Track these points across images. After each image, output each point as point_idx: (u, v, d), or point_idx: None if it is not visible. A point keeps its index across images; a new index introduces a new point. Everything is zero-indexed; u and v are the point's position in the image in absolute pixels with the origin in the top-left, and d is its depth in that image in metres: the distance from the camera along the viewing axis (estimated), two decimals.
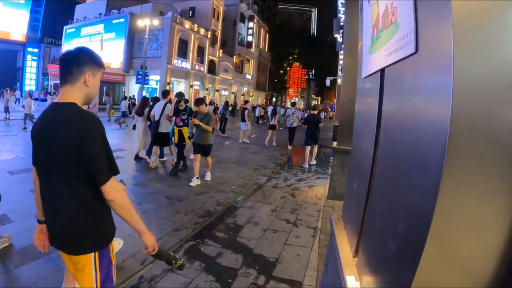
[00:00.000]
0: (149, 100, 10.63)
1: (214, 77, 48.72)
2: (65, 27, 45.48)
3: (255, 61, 65.46)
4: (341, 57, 35.60)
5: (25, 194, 6.02)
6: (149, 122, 9.88)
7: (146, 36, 30.04)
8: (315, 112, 12.85)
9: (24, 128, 15.50)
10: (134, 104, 27.84)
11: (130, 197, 5.90)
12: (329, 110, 64.80)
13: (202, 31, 43.91)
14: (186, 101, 10.51)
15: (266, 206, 6.63)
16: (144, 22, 30.04)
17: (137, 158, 10.10)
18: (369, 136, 2.01)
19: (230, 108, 21.03)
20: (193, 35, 42.10)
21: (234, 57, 55.83)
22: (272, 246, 4.81)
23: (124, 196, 2.04)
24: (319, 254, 4.61)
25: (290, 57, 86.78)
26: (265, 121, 33.48)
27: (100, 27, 41.64)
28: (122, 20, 39.41)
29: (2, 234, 4.29)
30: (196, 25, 42.72)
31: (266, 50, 72.84)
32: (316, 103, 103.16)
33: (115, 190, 1.97)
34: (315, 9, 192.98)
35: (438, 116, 1.13)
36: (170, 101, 9.40)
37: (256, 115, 33.49)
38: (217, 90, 49.86)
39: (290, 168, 11.14)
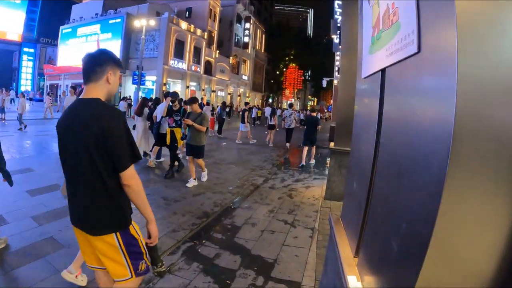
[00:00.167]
0: (149, 100, 10.64)
1: (210, 78, 48.64)
2: (61, 27, 45.21)
3: (252, 62, 65.40)
4: (337, 58, 35.64)
5: (21, 195, 5.98)
6: (149, 123, 9.87)
7: (143, 37, 29.98)
8: (314, 113, 13.00)
9: (20, 129, 15.41)
10: (130, 105, 27.85)
11: None
12: (325, 111, 64.85)
13: (198, 31, 43.83)
14: (185, 101, 10.45)
15: (263, 207, 6.63)
16: (140, 23, 29.97)
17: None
18: (370, 136, 2.01)
19: (227, 109, 20.99)
20: (189, 36, 42.01)
21: (231, 58, 55.76)
22: (270, 247, 4.80)
23: (140, 183, 2.26)
24: (317, 255, 4.60)
25: (287, 58, 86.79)
26: (258, 122, 33.55)
27: (96, 27, 41.43)
28: (119, 20, 39.23)
29: None
30: (192, 26, 42.63)
31: (263, 51, 72.76)
32: (312, 104, 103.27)
33: (132, 177, 2.20)
34: (311, 10, 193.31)
35: (442, 117, 1.12)
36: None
37: (253, 116, 33.47)
38: (214, 91, 49.78)
39: (287, 169, 11.15)
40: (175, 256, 4.26)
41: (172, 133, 8.81)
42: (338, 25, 13.37)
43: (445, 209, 1.06)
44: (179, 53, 40.83)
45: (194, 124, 7.47)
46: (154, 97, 15.16)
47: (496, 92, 1.05)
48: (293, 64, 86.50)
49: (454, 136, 1.03)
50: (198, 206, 6.40)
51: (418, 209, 1.24)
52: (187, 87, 42.34)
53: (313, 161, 12.48)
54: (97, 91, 2.28)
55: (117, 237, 2.27)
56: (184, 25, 40.81)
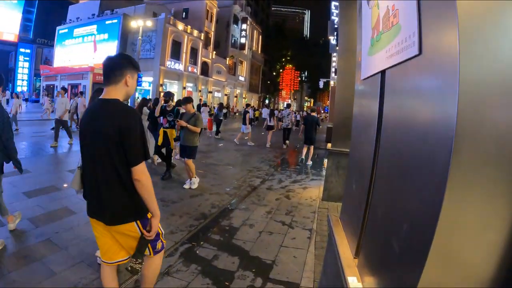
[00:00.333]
0: (148, 100, 10.63)
1: (207, 79, 48.65)
2: (57, 28, 45.04)
3: (248, 63, 65.47)
4: (334, 59, 35.75)
5: (18, 196, 5.96)
6: (147, 123, 9.85)
7: (139, 37, 29.88)
8: (314, 113, 13.21)
9: (16, 130, 15.29)
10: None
11: None
12: (322, 112, 64.96)
13: (195, 32, 43.85)
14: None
15: (261, 208, 6.62)
16: (137, 23, 29.86)
17: None
18: (369, 138, 2.01)
19: (224, 111, 21.00)
20: (186, 37, 42.02)
21: (227, 58, 55.80)
22: (268, 248, 4.79)
23: (149, 179, 2.45)
24: (315, 256, 4.60)
25: (283, 59, 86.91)
26: (255, 123, 33.54)
27: (93, 28, 41.34)
28: (115, 21, 39.18)
29: None
30: (189, 27, 42.64)
31: (259, 52, 72.88)
32: (309, 105, 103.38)
33: (143, 172, 2.40)
34: (308, 11, 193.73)
35: (444, 118, 1.13)
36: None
37: (250, 117, 33.39)
38: (210, 92, 49.78)
39: (284, 170, 11.15)
40: (173, 258, 4.25)
41: (165, 134, 8.72)
42: (336, 26, 13.40)
43: (447, 210, 1.07)
44: (176, 54, 40.84)
45: (188, 125, 7.27)
46: (153, 98, 15.13)
47: (498, 93, 1.05)
48: (290, 65, 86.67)
49: (456, 137, 1.03)
50: (195, 208, 6.39)
51: (420, 210, 1.25)
52: (184, 88, 42.32)
53: (310, 162, 12.48)
54: (117, 92, 2.49)
55: (137, 224, 2.52)
56: (180, 26, 40.83)
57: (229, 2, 55.66)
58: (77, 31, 42.82)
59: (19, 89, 42.88)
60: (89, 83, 34.85)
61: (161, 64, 38.02)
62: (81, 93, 20.03)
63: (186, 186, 7.69)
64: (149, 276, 2.87)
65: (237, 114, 52.58)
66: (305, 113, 47.15)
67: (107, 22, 40.02)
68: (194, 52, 44.62)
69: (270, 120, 17.58)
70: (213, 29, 49.86)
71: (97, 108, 2.49)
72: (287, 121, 16.77)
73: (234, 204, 6.85)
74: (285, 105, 18.80)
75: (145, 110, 9.75)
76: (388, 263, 1.54)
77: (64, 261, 4.01)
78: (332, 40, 22.07)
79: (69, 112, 17.57)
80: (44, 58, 47.70)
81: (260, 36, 73.18)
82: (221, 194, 7.53)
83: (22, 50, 46.53)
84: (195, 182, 7.91)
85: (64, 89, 13.21)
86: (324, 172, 10.50)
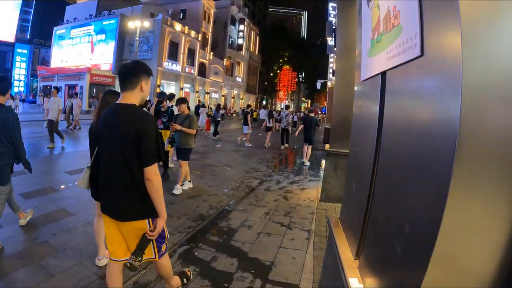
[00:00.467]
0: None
1: (204, 80, 48.60)
2: (54, 28, 44.80)
3: (246, 64, 65.46)
4: (331, 60, 35.79)
5: (15, 197, 5.91)
6: None
7: (137, 38, 29.90)
8: (312, 114, 13.50)
9: None
10: None
11: None
12: (319, 112, 64.97)
13: (192, 33, 43.80)
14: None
15: (259, 209, 6.61)
16: (134, 24, 29.88)
17: None
18: (370, 139, 2.01)
19: (222, 112, 20.99)
20: (183, 38, 41.98)
21: (225, 59, 55.76)
22: (267, 249, 4.79)
23: (160, 180, 2.61)
24: (314, 257, 4.60)
25: (281, 60, 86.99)
26: (254, 124, 33.55)
27: (90, 29, 41.14)
28: (113, 21, 39.04)
29: None
30: (186, 28, 42.59)
31: (257, 53, 72.90)
32: (307, 105, 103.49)
33: (154, 173, 2.55)
34: (305, 12, 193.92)
35: (446, 119, 1.13)
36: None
37: None
38: (208, 93, 49.72)
39: (282, 171, 11.14)
40: (172, 260, 4.22)
41: (160, 135, 8.52)
42: (334, 27, 13.43)
43: (450, 211, 1.07)
44: (173, 55, 40.78)
45: (182, 128, 7.03)
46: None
47: (501, 94, 1.05)
48: (287, 66, 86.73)
49: (459, 138, 1.03)
50: (193, 209, 6.37)
51: (423, 211, 1.25)
52: (181, 89, 42.26)
53: (308, 163, 12.61)
54: (132, 98, 2.67)
55: (149, 222, 2.67)
56: (178, 26, 40.78)
57: (226, 3, 55.65)
58: (75, 32, 42.65)
59: (16, 89, 42.70)
60: (86, 84, 34.66)
61: (159, 65, 37.93)
62: (76, 94, 19.97)
63: (184, 187, 7.61)
64: (165, 273, 3.17)
65: (234, 115, 52.57)
66: (302, 114, 47.25)
67: (104, 23, 39.88)
68: (191, 53, 44.56)
69: (269, 121, 17.85)
70: (210, 30, 49.85)
71: (114, 112, 2.65)
72: (285, 121, 16.95)
73: (232, 205, 6.83)
74: (282, 107, 18.93)
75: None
76: (390, 264, 1.54)
77: (62, 263, 3.98)
78: (330, 41, 22.11)
79: (64, 112, 17.53)
80: (41, 59, 47.50)
81: (258, 37, 73.20)
82: (219, 195, 7.51)
83: (19, 50, 46.30)
84: (188, 185, 7.79)
85: (56, 88, 13.07)
86: (321, 173, 10.51)
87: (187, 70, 43.49)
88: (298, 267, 4.32)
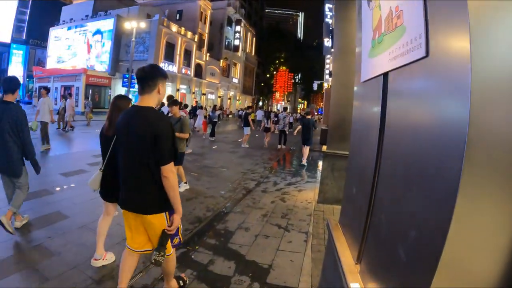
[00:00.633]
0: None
1: (200, 81, 48.51)
2: (50, 29, 44.50)
3: (242, 65, 65.41)
4: (327, 61, 35.84)
5: (4, 201, 5.85)
6: None
7: (133, 39, 29.78)
8: (309, 116, 14.02)
9: None
10: None
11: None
12: (316, 113, 65.07)
13: (189, 34, 43.73)
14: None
15: (256, 211, 6.57)
16: (131, 25, 29.77)
17: None
18: (371, 141, 1.97)
19: (218, 113, 20.97)
20: (180, 39, 41.90)
21: (221, 60, 55.71)
22: (264, 252, 4.74)
23: (176, 178, 2.81)
24: (312, 259, 4.56)
25: (277, 61, 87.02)
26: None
27: (86, 29, 40.97)
28: (109, 22, 38.85)
29: None
30: (183, 28, 42.52)
31: (253, 54, 72.89)
32: (302, 107, 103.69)
33: (171, 171, 2.73)
34: (301, 13, 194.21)
35: (455, 122, 1.09)
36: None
37: None
38: (204, 94, 49.61)
39: (279, 172, 11.11)
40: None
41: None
42: (331, 28, 13.41)
43: (459, 216, 1.03)
44: (170, 56, 40.68)
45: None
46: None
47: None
48: (283, 67, 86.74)
49: (468, 141, 1.00)
50: (190, 211, 6.31)
51: (430, 217, 1.21)
52: (178, 90, 42.14)
53: (305, 163, 12.87)
54: (150, 100, 2.83)
55: (166, 216, 2.90)
56: (174, 27, 40.71)
57: (223, 4, 55.66)
58: (71, 32, 42.47)
59: None
60: (82, 84, 34.50)
61: None
62: (70, 94, 19.82)
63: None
64: (169, 269, 3.27)
65: (230, 116, 52.54)
66: (298, 115, 47.32)
67: (100, 24, 39.72)
68: (187, 54, 44.48)
69: (267, 122, 18.18)
70: (206, 31, 49.77)
71: (133, 114, 2.82)
72: (283, 123, 17.17)
73: (229, 207, 6.77)
74: (278, 108, 19.05)
75: None
76: (393, 270, 1.50)
77: (57, 267, 3.92)
78: (326, 42, 22.10)
79: (58, 114, 17.39)
80: (37, 60, 47.22)
81: (254, 38, 73.20)
82: (216, 197, 7.46)
83: (15, 51, 45.99)
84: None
85: (46, 89, 12.60)
86: (318, 174, 10.49)
87: (183, 71, 43.40)
88: (296, 270, 4.28)
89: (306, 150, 13.14)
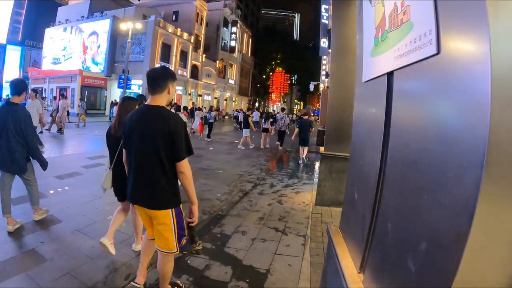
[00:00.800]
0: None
1: (197, 82, 48.33)
2: (46, 30, 44.25)
3: (238, 66, 65.33)
4: (324, 62, 35.81)
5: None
6: None
7: (129, 40, 29.66)
8: (307, 117, 14.34)
9: None
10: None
11: (111, 206, 5.69)
12: (312, 114, 65.09)
13: (185, 35, 43.58)
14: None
15: (253, 214, 6.47)
16: (127, 26, 29.64)
17: None
18: (374, 144, 1.88)
19: (214, 113, 20.91)
20: (176, 39, 41.74)
21: (217, 62, 55.57)
22: (262, 256, 4.64)
23: (191, 172, 2.94)
24: (311, 264, 4.47)
25: (273, 62, 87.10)
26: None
27: (82, 30, 40.77)
28: (105, 23, 38.68)
29: None
30: (179, 29, 42.36)
31: (249, 55, 72.83)
32: (299, 108, 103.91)
33: (186, 166, 2.88)
34: (298, 14, 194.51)
35: (474, 124, 1.00)
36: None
37: (240, 120, 33.36)
38: (200, 95, 49.46)
39: (276, 174, 11.02)
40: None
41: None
42: (328, 28, 13.36)
43: (478, 228, 0.94)
44: (166, 57, 40.50)
45: None
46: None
47: None
48: (280, 68, 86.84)
49: (489, 145, 0.90)
50: (185, 214, 6.17)
51: (444, 227, 1.11)
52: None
53: (305, 160, 13.49)
54: (161, 100, 2.97)
55: (172, 212, 2.98)
56: (170, 28, 40.55)
57: (219, 5, 55.59)
58: (66, 33, 42.25)
59: (6, 92, 42.08)
60: (78, 86, 34.33)
61: (151, 67, 37.57)
62: (62, 95, 19.60)
63: None
64: (167, 271, 3.27)
65: (226, 117, 52.41)
66: (295, 116, 47.28)
67: (96, 24, 39.55)
68: (184, 55, 44.31)
69: (264, 123, 18.18)
70: (203, 32, 49.62)
71: (145, 113, 2.96)
72: (281, 123, 17.55)
73: (225, 210, 6.66)
74: (274, 109, 19.13)
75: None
76: (401, 283, 1.40)
77: (50, 273, 3.80)
78: (323, 43, 22.11)
79: (51, 116, 17.20)
80: (33, 61, 46.88)
81: (250, 39, 73.16)
82: (212, 199, 7.35)
83: (10, 52, 45.61)
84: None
85: (34, 91, 12.19)
86: (315, 176, 10.41)
87: (179, 72, 43.19)
88: (294, 274, 4.18)
89: (304, 150, 13.53)
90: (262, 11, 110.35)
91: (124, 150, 3.20)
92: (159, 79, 2.97)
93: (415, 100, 1.48)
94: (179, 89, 43.88)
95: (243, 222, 5.97)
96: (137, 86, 37.29)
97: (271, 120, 18.65)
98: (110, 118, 27.39)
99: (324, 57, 34.24)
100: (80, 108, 23.11)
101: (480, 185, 0.92)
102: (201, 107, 30.32)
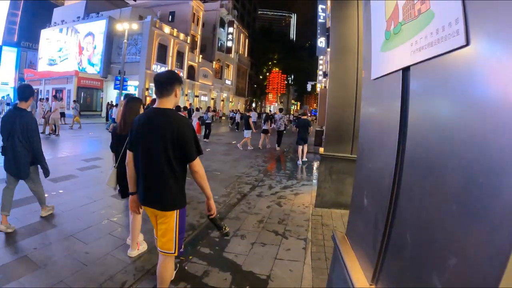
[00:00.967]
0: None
1: (193, 83, 48.18)
2: (42, 31, 43.95)
3: (235, 67, 65.26)
4: (320, 62, 35.73)
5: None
6: None
7: (125, 41, 29.49)
8: (305, 117, 14.65)
9: None
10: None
11: (106, 210, 5.54)
12: (309, 114, 65.03)
13: (181, 36, 43.43)
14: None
15: (252, 217, 6.32)
16: (123, 26, 29.46)
17: None
18: (388, 146, 1.73)
19: (211, 114, 20.80)
20: (172, 40, 41.59)
21: (214, 62, 55.46)
22: (262, 261, 4.49)
23: (203, 170, 3.03)
24: (313, 268, 4.33)
25: (270, 63, 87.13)
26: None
27: (78, 31, 40.52)
28: (101, 24, 38.46)
29: None
30: (175, 30, 42.22)
31: (246, 55, 72.79)
32: (295, 108, 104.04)
33: (199, 165, 2.99)
34: (294, 15, 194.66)
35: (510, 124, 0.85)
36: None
37: (237, 121, 33.27)
38: (197, 96, 49.31)
39: (274, 175, 10.88)
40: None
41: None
42: (327, 27, 13.22)
43: None
44: (162, 58, 40.35)
45: None
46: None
47: None
48: (276, 69, 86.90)
49: None
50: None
51: (478, 242, 0.97)
52: None
53: (305, 159, 13.86)
54: (168, 103, 3.03)
55: (176, 213, 3.04)
56: (167, 29, 40.41)
57: (215, 5, 55.52)
58: (62, 34, 41.98)
59: (1, 93, 41.81)
60: (74, 87, 34.08)
61: (147, 68, 37.45)
62: (54, 96, 19.34)
63: None
64: (166, 277, 3.24)
65: (223, 118, 52.27)
66: (291, 116, 47.21)
67: (92, 25, 39.32)
68: (180, 55, 44.16)
69: (264, 124, 18.49)
70: (199, 33, 49.49)
71: (155, 115, 3.00)
72: (279, 124, 17.81)
73: (223, 213, 6.51)
74: (271, 109, 19.22)
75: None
76: None
77: (42, 281, 3.65)
78: (319, 42, 22.04)
79: (43, 117, 16.97)
80: (29, 62, 46.53)
81: (247, 40, 73.16)
82: None
83: (6, 53, 45.23)
84: None
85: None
86: (314, 177, 10.29)
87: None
88: (296, 280, 4.04)
89: (304, 149, 13.83)
90: (259, 12, 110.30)
91: (128, 152, 3.20)
92: (166, 83, 3.02)
93: (437, 98, 1.33)
94: None
95: (242, 225, 5.82)
96: (133, 87, 37.13)
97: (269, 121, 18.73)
98: (106, 120, 27.19)
99: (321, 57, 34.16)
100: (74, 110, 22.80)
101: None
102: (198, 107, 30.11)
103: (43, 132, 16.57)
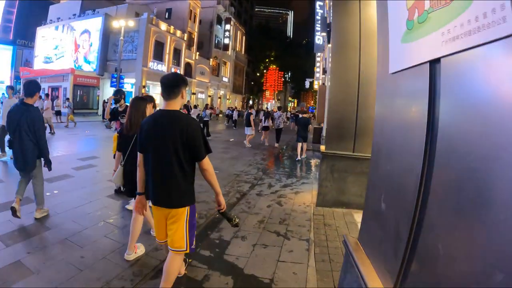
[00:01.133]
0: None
1: (190, 80, 47.83)
2: (38, 28, 43.57)
3: (232, 64, 65.06)
4: (318, 59, 35.66)
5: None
6: None
7: (121, 38, 29.24)
8: (305, 115, 14.90)
9: None
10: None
11: (103, 211, 5.39)
12: (307, 112, 64.97)
13: (178, 33, 43.13)
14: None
15: (252, 217, 6.17)
16: (119, 23, 29.22)
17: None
18: (412, 147, 1.58)
19: (208, 112, 20.66)
20: (169, 37, 41.29)
21: (211, 59, 55.22)
22: (264, 264, 4.34)
23: (212, 168, 3.16)
24: (317, 271, 4.19)
25: (267, 60, 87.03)
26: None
27: (74, 28, 40.17)
28: (97, 21, 38.15)
29: None
30: (172, 27, 41.90)
31: (243, 52, 72.57)
32: (292, 105, 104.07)
33: (208, 163, 3.10)
34: (291, 12, 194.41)
35: None
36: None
37: (235, 118, 33.09)
38: (194, 93, 49.06)
39: (273, 173, 10.74)
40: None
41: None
42: (328, 22, 13.05)
43: None
44: (159, 55, 40.08)
45: None
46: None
47: None
48: (274, 66, 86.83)
49: None
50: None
51: None
52: None
53: (305, 155, 14.08)
54: (175, 105, 3.12)
55: (187, 210, 3.15)
56: (163, 26, 40.12)
57: (212, 2, 55.19)
58: (58, 32, 41.63)
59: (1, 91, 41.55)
60: (70, 85, 33.78)
61: (144, 65, 37.18)
62: (47, 95, 19.07)
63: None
64: (173, 271, 3.24)
65: (220, 115, 52.09)
66: (289, 114, 47.23)
67: (88, 22, 38.99)
68: (177, 52, 43.86)
69: (265, 122, 18.96)
70: (196, 30, 49.22)
71: (162, 117, 3.08)
72: (278, 121, 18.10)
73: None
74: (268, 107, 19.35)
75: None
76: None
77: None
78: (317, 39, 21.94)
79: None
80: (25, 60, 46.15)
81: (244, 37, 72.91)
82: (209, 202, 6.98)
83: (2, 51, 44.83)
84: None
85: (11, 88, 11.13)
86: (314, 175, 10.17)
87: (172, 70, 42.70)
88: (300, 283, 3.90)
89: (303, 146, 13.96)
90: (256, 9, 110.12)
91: (139, 154, 3.27)
92: (173, 86, 3.10)
93: (476, 95, 1.17)
94: None
95: (242, 226, 5.65)
96: (130, 84, 36.88)
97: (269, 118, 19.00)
98: (103, 118, 26.92)
99: (319, 54, 34.06)
100: (68, 108, 22.45)
101: None
102: (196, 105, 29.96)
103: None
